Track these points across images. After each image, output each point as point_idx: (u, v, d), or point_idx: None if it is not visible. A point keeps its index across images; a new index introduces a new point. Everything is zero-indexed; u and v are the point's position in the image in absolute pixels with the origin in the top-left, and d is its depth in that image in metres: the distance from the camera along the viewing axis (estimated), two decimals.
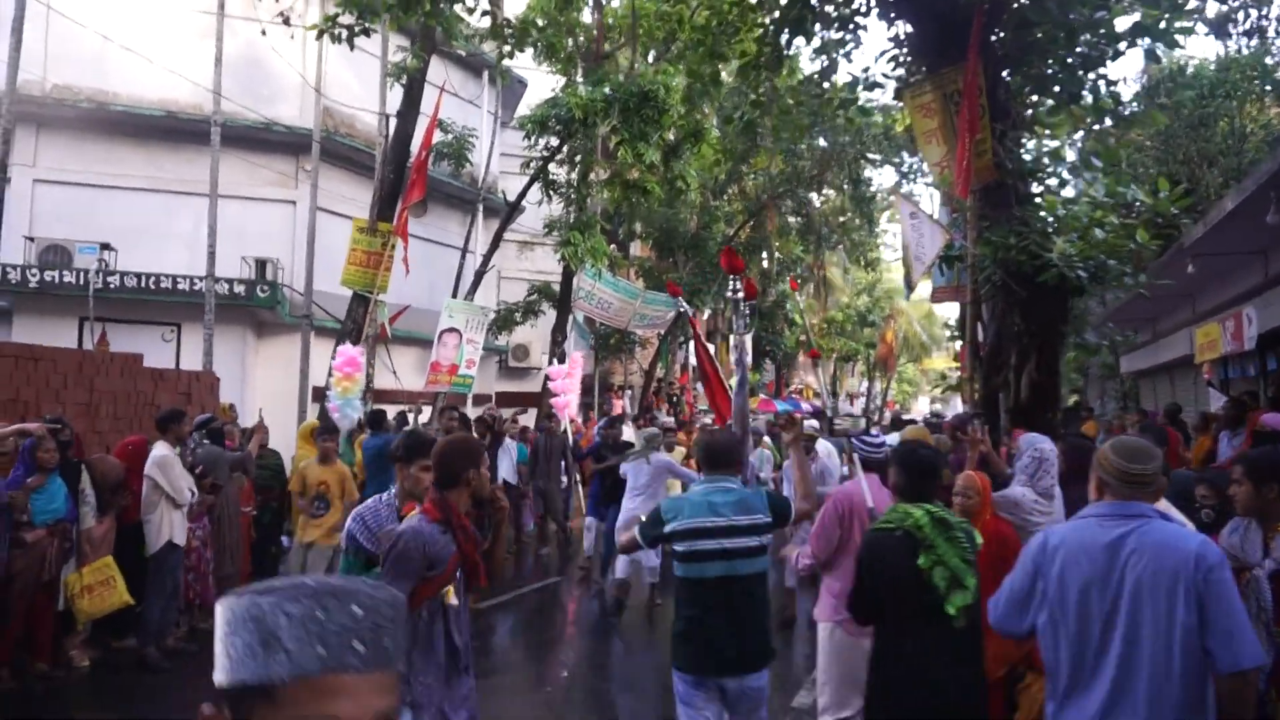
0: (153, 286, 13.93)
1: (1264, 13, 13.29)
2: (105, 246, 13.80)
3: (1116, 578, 2.58)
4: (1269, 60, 16.37)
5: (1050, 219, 7.38)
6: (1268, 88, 16.63)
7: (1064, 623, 2.66)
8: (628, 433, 12.02)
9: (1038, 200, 8.01)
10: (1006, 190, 7.85)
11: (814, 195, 25.06)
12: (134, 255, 14.32)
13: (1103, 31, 8.20)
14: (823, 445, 8.22)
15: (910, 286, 14.04)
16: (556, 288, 18.35)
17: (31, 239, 13.80)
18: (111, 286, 13.56)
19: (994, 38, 8.14)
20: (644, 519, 3.81)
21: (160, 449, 6.63)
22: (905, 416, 13.28)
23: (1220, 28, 12.30)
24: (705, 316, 30.03)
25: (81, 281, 13.02)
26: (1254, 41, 15.58)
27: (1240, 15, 13.54)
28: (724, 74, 14.66)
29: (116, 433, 8.56)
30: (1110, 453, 2.77)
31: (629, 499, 8.49)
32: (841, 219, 27.20)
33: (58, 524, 5.94)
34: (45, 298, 13.46)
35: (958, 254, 8.56)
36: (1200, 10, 8.55)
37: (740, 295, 5.04)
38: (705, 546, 3.56)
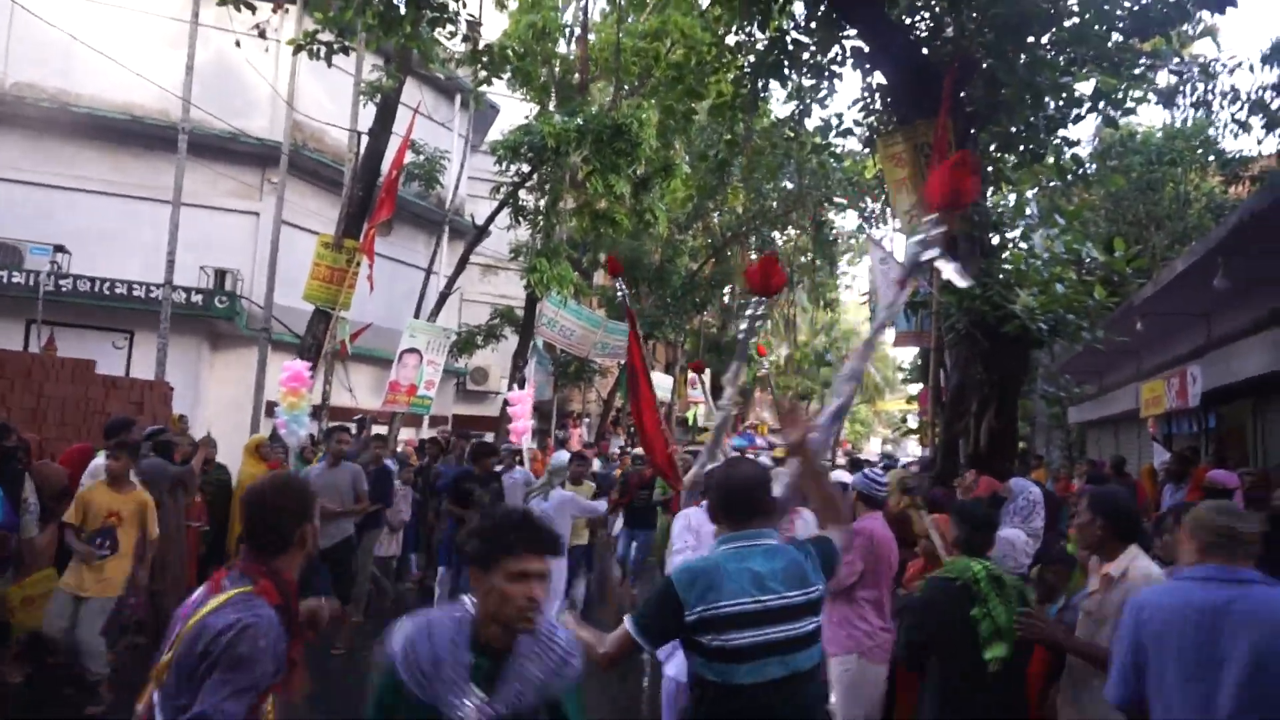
0: (107, 292, 13.60)
1: (1210, 87, 14.00)
2: (59, 249, 13.47)
3: (1227, 643, 2.49)
4: (1211, 131, 17.19)
5: (1012, 271, 7.61)
6: (1210, 157, 17.45)
7: (1173, 688, 2.55)
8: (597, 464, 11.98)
9: (1003, 254, 8.26)
10: (972, 241, 8.08)
11: (777, 234, 25.47)
12: (89, 259, 13.98)
13: (1065, 96, 8.55)
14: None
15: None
16: (519, 312, 18.34)
17: None
18: (63, 290, 13.22)
19: (964, 94, 8.42)
20: (639, 604, 2.76)
21: (101, 458, 6.42)
22: (860, 457, 13.45)
23: (1169, 99, 12.87)
24: (660, 348, 30.21)
25: (32, 283, 12.67)
26: (1199, 113, 16.35)
27: (1187, 88, 14.22)
28: (697, 111, 14.92)
29: (64, 440, 8.29)
30: (1214, 514, 2.69)
31: None
32: (803, 259, 27.65)
33: None
34: None
35: (922, 300, 8.78)
36: (1153, 81, 8.96)
37: (761, 308, 4.80)
38: (752, 640, 2.46)
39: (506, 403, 15.53)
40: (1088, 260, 8.44)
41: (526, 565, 2.04)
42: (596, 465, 13.38)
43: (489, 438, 17.19)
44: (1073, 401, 11.34)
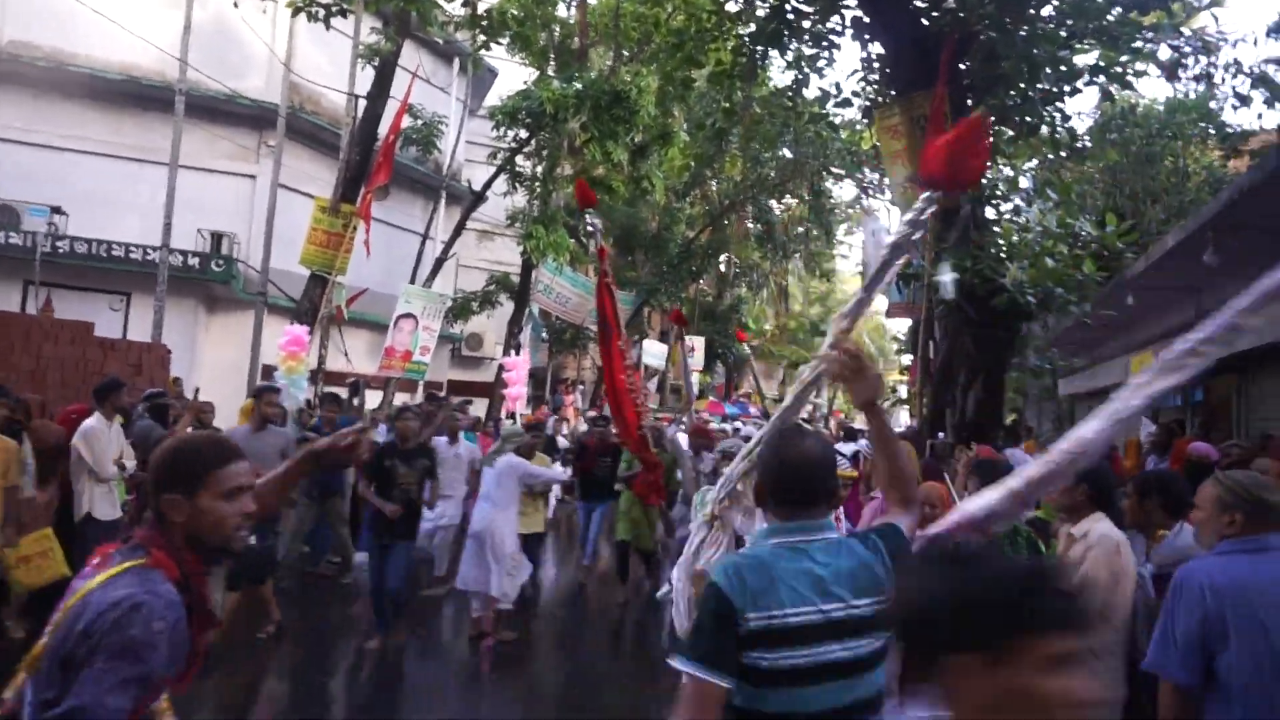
0: (104, 254, 13.63)
1: (1212, 60, 13.93)
2: (56, 210, 13.44)
3: None
4: (1213, 105, 17.13)
5: (1004, 245, 7.69)
6: (1211, 131, 17.41)
7: (1256, 659, 2.48)
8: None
9: (994, 226, 8.34)
10: (966, 214, 8.15)
11: (774, 203, 25.44)
12: (86, 220, 13.98)
13: (1063, 69, 8.56)
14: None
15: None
16: (515, 279, 18.37)
17: None
18: (60, 251, 13.23)
19: (962, 66, 8.43)
20: (680, 616, 2.54)
21: (91, 420, 6.47)
22: (855, 426, 13.53)
23: (1171, 72, 12.83)
24: (655, 314, 30.27)
25: (29, 244, 12.67)
26: (1201, 86, 16.30)
27: (1190, 61, 14.16)
28: (696, 80, 14.85)
29: (63, 400, 8.38)
30: (1253, 485, 2.69)
31: (477, 508, 6.87)
32: (800, 228, 27.64)
33: None
34: None
35: (914, 272, 8.85)
36: (1154, 54, 8.97)
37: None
38: (810, 659, 1.94)
39: (501, 368, 15.68)
40: (1081, 234, 8.52)
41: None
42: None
43: (483, 403, 17.34)
44: (1056, 375, 11.46)
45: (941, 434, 8.29)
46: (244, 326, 14.83)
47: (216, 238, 14.97)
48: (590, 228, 5.23)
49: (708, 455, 6.80)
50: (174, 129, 12.64)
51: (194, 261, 14.24)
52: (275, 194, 14.02)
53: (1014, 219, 8.35)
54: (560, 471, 7.76)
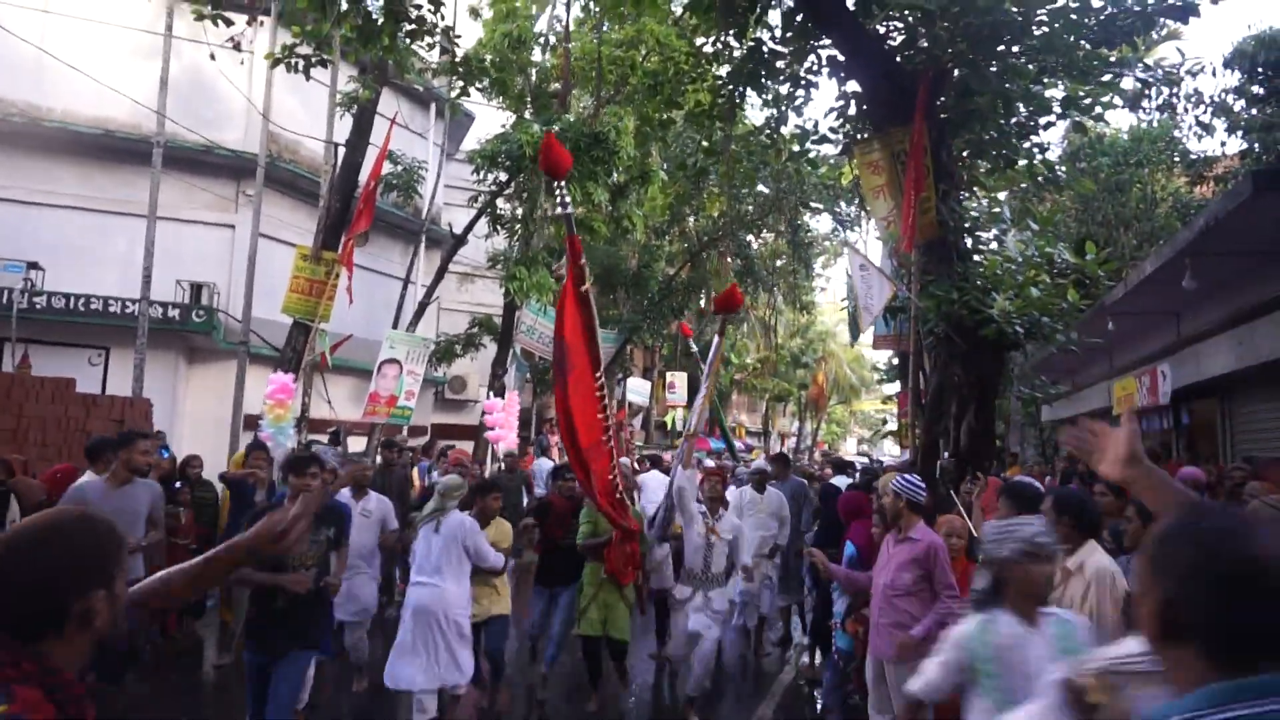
0: (81, 308, 13.46)
1: (1174, 91, 14.32)
2: (32, 265, 13.30)
3: None
4: (1176, 133, 17.59)
5: (988, 275, 7.78)
6: (1175, 158, 17.86)
7: None
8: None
9: (977, 257, 8.45)
10: (948, 246, 8.26)
11: (753, 239, 25.68)
12: (63, 275, 13.83)
13: (1035, 102, 8.76)
14: (775, 494, 7.76)
15: (856, 334, 14.52)
16: (497, 320, 18.34)
17: None
18: (37, 306, 13.06)
19: (938, 102, 8.60)
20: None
21: (85, 478, 6.35)
22: (843, 458, 13.47)
23: (1135, 102, 13.17)
24: (638, 353, 30.31)
25: (5, 300, 12.51)
26: (1164, 116, 16.73)
27: (1153, 92, 14.56)
28: (676, 120, 15.04)
29: (45, 460, 8.23)
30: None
31: (413, 584, 5.43)
32: (779, 262, 27.89)
33: None
34: None
35: (900, 305, 8.93)
36: (1117, 85, 9.20)
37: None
38: None
39: (485, 411, 15.57)
40: (1059, 262, 8.64)
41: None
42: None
43: (467, 447, 17.19)
44: (1047, 401, 11.57)
45: (947, 453, 8.29)
46: (226, 376, 14.65)
47: (196, 288, 14.86)
48: (561, 205, 4.60)
49: (723, 512, 6.40)
50: (152, 181, 12.58)
51: (174, 313, 14.10)
52: (255, 243, 13.96)
53: (996, 250, 8.47)
54: (498, 558, 5.66)
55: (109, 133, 14.78)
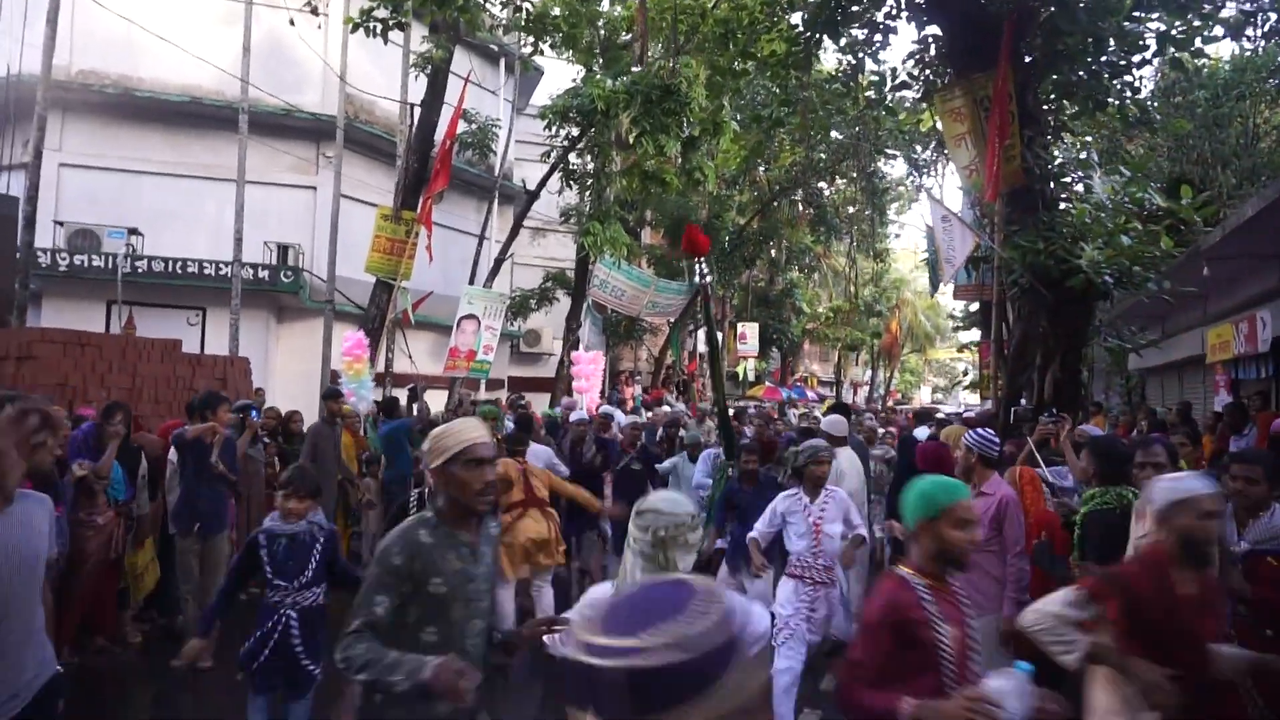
0: (179, 271, 14.12)
1: None
2: (133, 231, 13.97)
3: None
4: None
5: (1076, 224, 7.57)
6: None
7: None
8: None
9: (1063, 205, 8.20)
10: (1034, 194, 8.04)
11: (825, 186, 25.22)
12: (159, 240, 14.50)
13: (1128, 41, 8.36)
14: (845, 454, 6.53)
15: (936, 286, 14.26)
16: (570, 274, 18.54)
17: (61, 223, 13.97)
18: (139, 270, 13.74)
19: (1023, 44, 8.30)
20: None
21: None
22: (939, 413, 12.84)
23: (1238, 31, 12.43)
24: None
25: (110, 265, 13.20)
26: (1271, 43, 15.71)
27: (1258, 18, 13.68)
28: (750, 71, 14.78)
29: (157, 416, 8.76)
30: None
31: None
32: (851, 209, 27.37)
33: (122, 505, 6.16)
34: (74, 281, 13.65)
35: (983, 255, 8.76)
36: (1217, 14, 8.67)
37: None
38: None
39: (570, 362, 15.82)
40: (1151, 207, 8.34)
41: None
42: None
43: (542, 399, 17.55)
44: (1135, 350, 11.20)
45: (1024, 400, 8.17)
46: (313, 334, 15.25)
47: (283, 250, 15.40)
48: (701, 271, 5.04)
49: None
50: (239, 146, 13.02)
51: (264, 274, 14.68)
52: (337, 204, 14.37)
53: (1084, 197, 8.18)
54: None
55: (196, 100, 15.30)
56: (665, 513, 2.53)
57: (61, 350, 8.25)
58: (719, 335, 6.13)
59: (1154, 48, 8.46)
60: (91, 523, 5.77)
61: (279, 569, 3.99)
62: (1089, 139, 11.69)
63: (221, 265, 13.89)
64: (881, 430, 10.68)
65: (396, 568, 2.39)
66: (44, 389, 7.96)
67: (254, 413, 8.05)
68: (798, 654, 4.68)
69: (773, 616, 4.72)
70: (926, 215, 14.56)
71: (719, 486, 6.75)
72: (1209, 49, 9.16)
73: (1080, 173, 8.90)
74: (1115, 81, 8.57)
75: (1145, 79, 17.80)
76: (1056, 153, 9.26)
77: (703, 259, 6.01)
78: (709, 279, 7.17)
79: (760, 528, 5.07)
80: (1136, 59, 8.47)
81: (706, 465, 7.52)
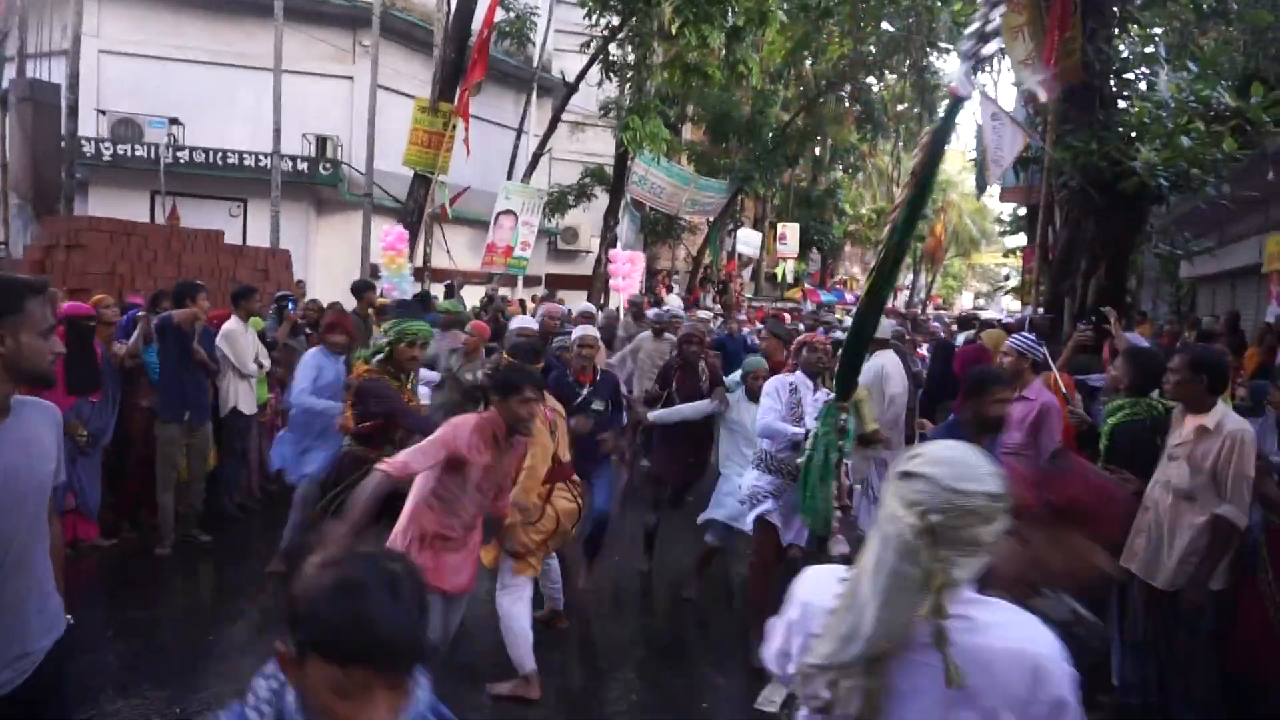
0: (219, 162, 14.18)
1: None
2: (174, 121, 13.98)
3: None
4: None
5: (1134, 123, 7.24)
6: None
7: None
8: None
9: (1123, 104, 7.84)
10: (1091, 92, 7.69)
11: (873, 81, 24.25)
12: (198, 130, 14.51)
13: None
14: (889, 357, 5.85)
15: (983, 187, 13.84)
16: (608, 170, 18.27)
17: (103, 112, 14.01)
18: (180, 161, 13.83)
19: None
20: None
21: (230, 323, 6.92)
22: (983, 315, 12.50)
23: None
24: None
25: (152, 156, 13.28)
26: None
27: None
28: None
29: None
30: None
31: None
32: (900, 107, 26.38)
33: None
34: (118, 171, 13.80)
35: (1034, 156, 8.44)
36: None
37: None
38: None
39: (607, 260, 15.77)
40: (1218, 106, 7.92)
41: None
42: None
43: (579, 296, 17.58)
44: (1188, 257, 10.81)
45: (1041, 309, 8.04)
46: (352, 227, 15.34)
47: (321, 141, 15.35)
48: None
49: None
50: (275, 33, 12.81)
51: (303, 166, 14.68)
52: (374, 95, 14.20)
53: (1145, 95, 7.79)
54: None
55: None
56: (946, 485, 1.43)
57: (109, 239, 8.41)
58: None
59: None
60: (137, 405, 6.02)
61: None
62: (1157, 31, 11.02)
63: (261, 157, 13.91)
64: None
65: None
66: (93, 277, 8.18)
67: (290, 304, 8.17)
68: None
69: None
70: (976, 113, 13.97)
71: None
72: None
73: (1144, 69, 8.43)
74: None
75: None
76: (1121, 46, 8.78)
77: None
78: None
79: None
80: None
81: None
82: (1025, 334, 4.73)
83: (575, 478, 4.63)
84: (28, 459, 2.06)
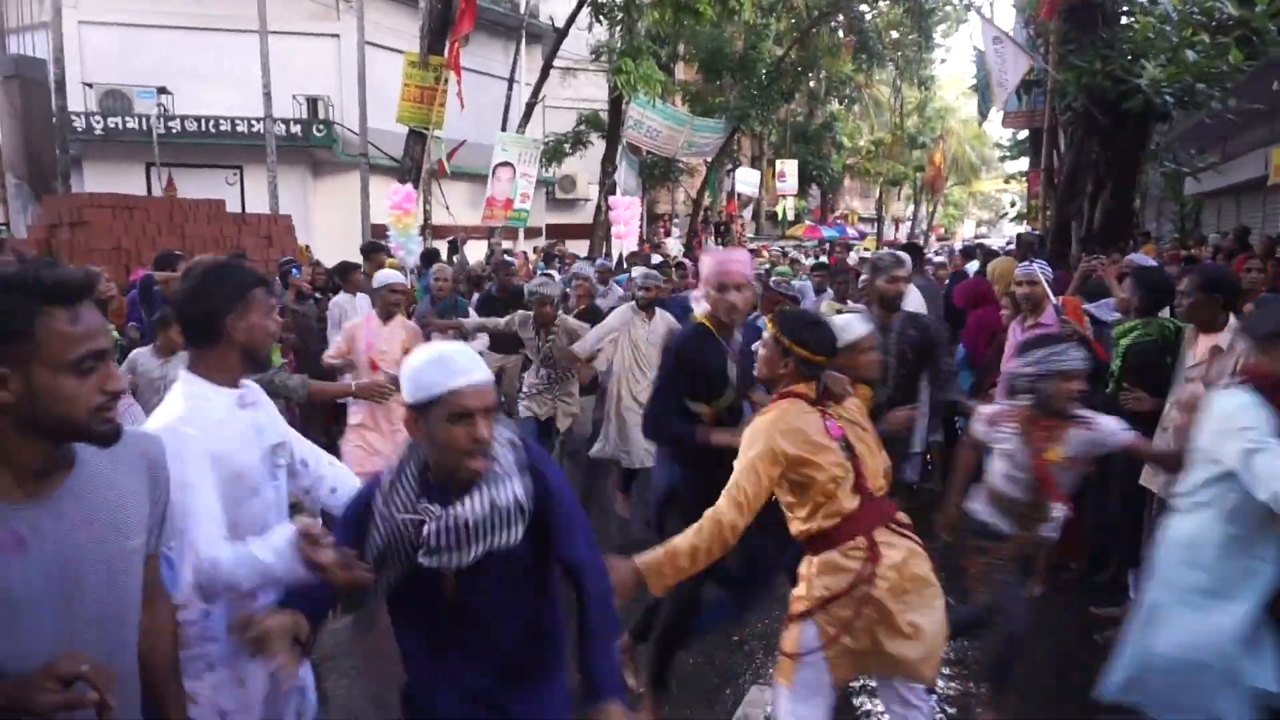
0: (212, 130, 14.05)
1: None
2: (162, 90, 13.82)
3: None
4: None
5: (1138, 40, 7.14)
6: None
7: None
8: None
9: (1126, 20, 7.71)
10: (1093, 9, 7.57)
11: (867, 8, 23.76)
12: (187, 98, 14.33)
13: None
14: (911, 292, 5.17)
15: (986, 112, 13.66)
16: (603, 116, 18.05)
17: (90, 85, 13.83)
18: (173, 131, 13.70)
19: None
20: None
21: None
22: (990, 245, 12.31)
23: None
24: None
25: (144, 127, 13.16)
26: None
27: None
28: None
29: None
30: None
31: None
32: (895, 34, 25.89)
33: None
34: (111, 144, 13.67)
35: (1036, 79, 8.33)
36: None
37: None
38: None
39: (607, 207, 15.67)
40: (1221, 16, 7.80)
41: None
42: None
43: (581, 245, 17.53)
44: (1193, 174, 10.71)
45: (1034, 229, 8.00)
46: (350, 189, 15.20)
47: (312, 102, 15.16)
48: None
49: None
50: None
51: (296, 129, 14.53)
52: (363, 52, 13.97)
53: (1149, 9, 7.65)
54: None
55: None
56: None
57: (111, 214, 8.41)
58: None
59: None
60: None
61: None
62: None
63: (253, 122, 13.77)
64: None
65: None
66: (99, 254, 8.19)
67: (294, 270, 8.16)
68: None
69: None
70: (976, 38, 13.71)
71: None
72: None
73: None
74: None
75: None
76: None
77: None
78: None
79: None
80: None
81: None
82: (1040, 260, 4.74)
83: None
84: (90, 536, 1.36)
